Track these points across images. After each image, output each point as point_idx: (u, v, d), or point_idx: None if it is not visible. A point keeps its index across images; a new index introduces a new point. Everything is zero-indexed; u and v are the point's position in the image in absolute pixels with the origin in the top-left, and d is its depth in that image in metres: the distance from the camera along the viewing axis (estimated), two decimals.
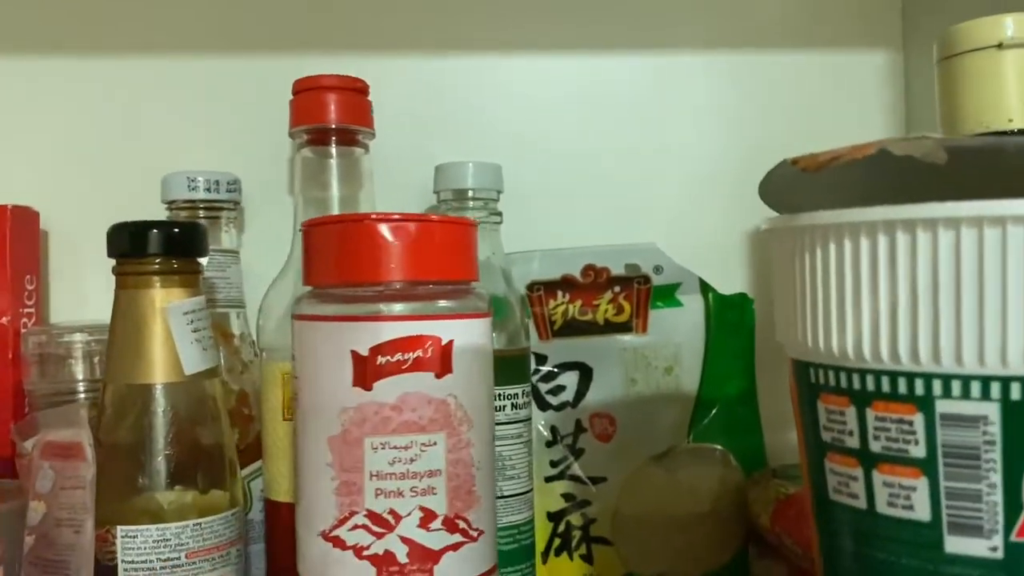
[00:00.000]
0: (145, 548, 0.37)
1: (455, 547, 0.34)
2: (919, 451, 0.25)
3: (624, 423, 0.52)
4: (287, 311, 0.44)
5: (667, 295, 0.53)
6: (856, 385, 0.27)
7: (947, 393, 0.25)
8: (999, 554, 0.25)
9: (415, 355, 0.33)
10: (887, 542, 0.26)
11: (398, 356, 0.33)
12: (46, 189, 0.55)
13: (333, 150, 0.47)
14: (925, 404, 0.25)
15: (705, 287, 0.54)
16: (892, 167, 0.26)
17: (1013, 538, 0.24)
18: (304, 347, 0.35)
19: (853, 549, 0.28)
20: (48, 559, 0.36)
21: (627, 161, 0.59)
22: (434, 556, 0.33)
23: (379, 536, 0.33)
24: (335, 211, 0.47)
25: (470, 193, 0.48)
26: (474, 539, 0.34)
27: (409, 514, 0.33)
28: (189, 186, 0.48)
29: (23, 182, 0.55)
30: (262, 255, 0.52)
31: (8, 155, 0.55)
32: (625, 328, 0.53)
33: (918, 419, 0.25)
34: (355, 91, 0.47)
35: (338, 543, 0.33)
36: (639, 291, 0.53)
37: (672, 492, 0.52)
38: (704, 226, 0.58)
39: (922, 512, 0.26)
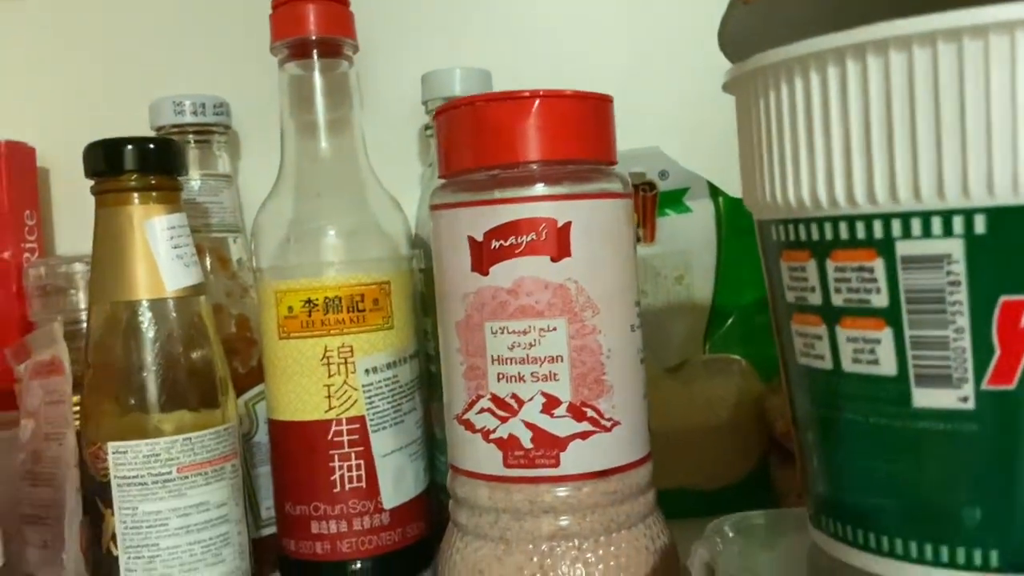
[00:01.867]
0: (136, 463, 0.37)
1: (583, 435, 0.33)
2: (881, 300, 0.23)
3: None
4: (279, 231, 0.44)
5: (674, 201, 0.51)
6: (815, 236, 0.25)
7: (907, 233, 0.23)
8: (970, 404, 0.23)
9: (528, 238, 0.32)
10: (854, 401, 0.25)
11: (511, 240, 0.32)
12: (43, 125, 0.55)
13: (316, 63, 0.46)
14: (885, 247, 0.23)
15: (715, 191, 0.51)
16: None
17: (984, 386, 0.22)
18: (435, 236, 0.35)
19: (822, 413, 0.26)
20: (37, 472, 0.37)
21: (626, 61, 0.56)
22: (560, 443, 0.32)
23: (503, 420, 0.33)
24: (321, 130, 0.46)
25: None
26: (607, 429, 0.33)
27: (531, 399, 0.33)
28: (175, 110, 0.48)
29: (18, 119, 0.55)
30: (259, 181, 0.51)
31: (7, 92, 0.56)
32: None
33: (878, 265, 0.23)
34: (334, 1, 0.45)
35: (468, 426, 0.34)
36: (645, 199, 0.51)
37: (688, 405, 0.51)
38: (711, 125, 0.56)
39: (887, 366, 0.24)
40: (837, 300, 0.24)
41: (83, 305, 0.47)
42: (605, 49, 0.56)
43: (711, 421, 0.50)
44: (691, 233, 0.51)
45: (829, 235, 0.24)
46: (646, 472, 0.34)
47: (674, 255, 0.51)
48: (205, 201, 0.48)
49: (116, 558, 0.36)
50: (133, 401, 0.38)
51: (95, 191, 0.39)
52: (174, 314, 0.39)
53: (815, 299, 0.25)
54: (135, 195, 0.38)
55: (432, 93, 0.47)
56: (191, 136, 0.48)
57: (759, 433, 0.50)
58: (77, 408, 0.38)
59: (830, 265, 0.24)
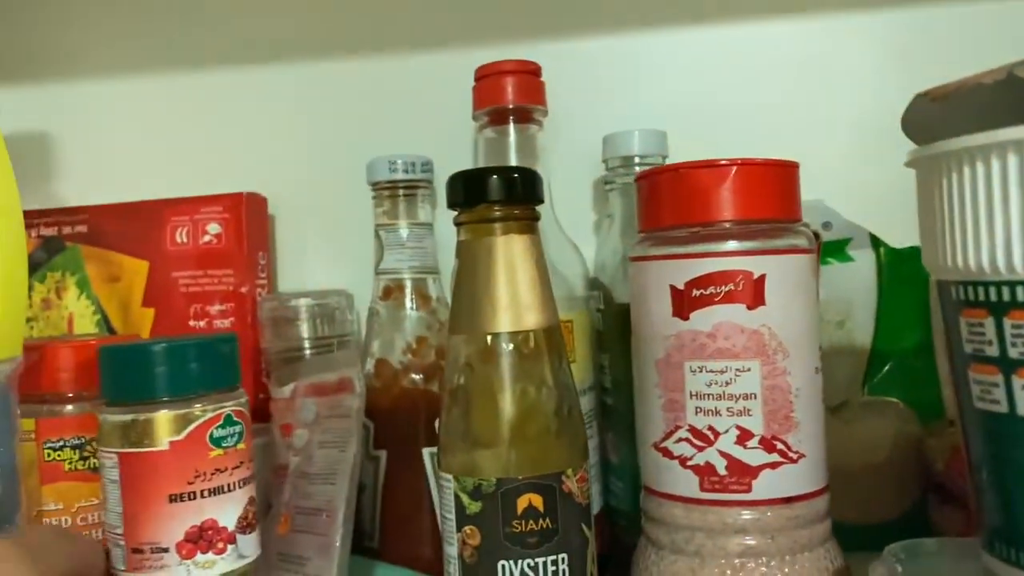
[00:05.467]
0: None
1: (773, 466, 0.37)
2: None
3: None
4: None
5: (837, 251, 0.55)
6: (993, 297, 0.28)
7: None
8: None
9: (727, 288, 0.37)
10: None
11: (711, 289, 0.37)
12: (272, 177, 0.64)
13: (511, 128, 0.52)
14: None
15: (876, 241, 0.54)
16: (1021, 90, 0.28)
17: None
18: (635, 284, 0.40)
19: (996, 453, 0.29)
20: (310, 473, 0.44)
21: (791, 119, 0.60)
22: (752, 472, 0.37)
23: (700, 449, 0.37)
24: None
25: (636, 159, 0.52)
26: (793, 460, 0.37)
27: (727, 431, 0.37)
28: (390, 168, 0.55)
29: (254, 172, 0.64)
30: (453, 229, 0.58)
31: (241, 150, 0.65)
32: None
33: None
34: (529, 73, 0.52)
35: (666, 453, 0.38)
36: None
37: (848, 443, 0.53)
38: (872, 180, 0.59)
39: None
40: (1013, 353, 0.28)
41: (305, 335, 0.55)
42: (772, 109, 0.60)
43: (869, 460, 0.53)
44: (853, 281, 0.54)
45: (1007, 296, 0.28)
46: (824, 501, 0.38)
47: (837, 301, 0.54)
48: (411, 246, 0.55)
49: None
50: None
51: (458, 221, 0.38)
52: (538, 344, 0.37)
53: (992, 351, 0.29)
54: (498, 226, 0.37)
55: (612, 152, 0.53)
56: (401, 191, 0.55)
57: (916, 474, 0.53)
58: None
59: (1007, 323, 0.28)
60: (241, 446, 0.40)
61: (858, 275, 0.54)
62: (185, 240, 0.59)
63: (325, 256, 0.64)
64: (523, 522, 0.35)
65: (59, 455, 0.41)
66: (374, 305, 0.55)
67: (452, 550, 0.37)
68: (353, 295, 0.58)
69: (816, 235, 0.54)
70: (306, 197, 0.64)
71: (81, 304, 0.60)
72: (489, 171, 0.39)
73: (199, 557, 0.38)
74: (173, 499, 0.38)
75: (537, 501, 0.36)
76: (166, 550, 0.38)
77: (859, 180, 0.59)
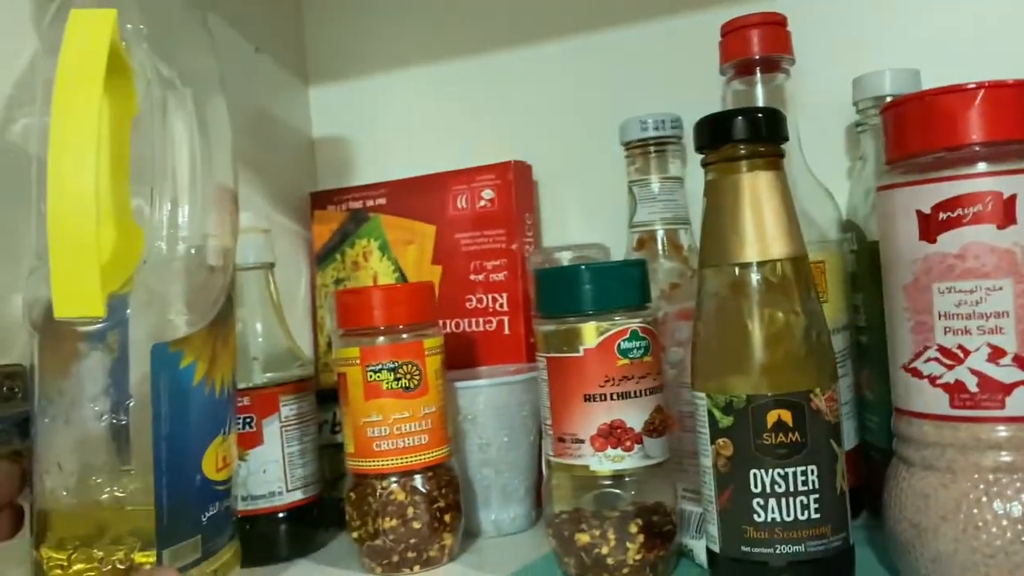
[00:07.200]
0: None
1: None
2: None
3: None
4: None
5: None
6: None
7: None
8: None
9: (975, 209, 0.37)
10: None
11: (958, 211, 0.37)
12: (536, 146, 0.70)
13: (758, 78, 0.54)
14: None
15: None
16: None
17: None
18: (883, 212, 0.41)
19: None
20: (682, 382, 0.50)
21: None
22: (1005, 388, 0.37)
23: (949, 368, 0.38)
24: None
25: (888, 99, 0.51)
26: None
27: (977, 350, 0.37)
28: (641, 127, 0.59)
29: (520, 143, 0.71)
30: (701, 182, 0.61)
31: (508, 123, 0.72)
32: None
33: None
34: (774, 24, 0.53)
35: (915, 373, 0.39)
36: None
37: None
38: None
39: None
40: None
41: None
42: None
43: None
44: None
45: None
46: None
47: None
48: (663, 199, 0.59)
49: (845, 494, 0.39)
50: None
51: (705, 162, 0.42)
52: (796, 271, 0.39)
53: None
54: (744, 163, 0.40)
55: (864, 94, 0.53)
56: (652, 147, 0.59)
57: None
58: None
59: None
60: (647, 359, 0.46)
61: None
62: (464, 206, 0.68)
63: (584, 214, 0.70)
64: (773, 435, 0.39)
65: (378, 376, 0.51)
66: (628, 256, 0.60)
67: (707, 461, 0.41)
68: (610, 248, 0.63)
69: None
70: (566, 162, 0.70)
71: (383, 265, 0.71)
72: (733, 112, 0.42)
73: (609, 451, 0.46)
74: (588, 399, 0.46)
75: (786, 416, 0.39)
76: (582, 441, 0.46)
77: None
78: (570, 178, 0.70)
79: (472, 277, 0.67)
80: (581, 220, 0.70)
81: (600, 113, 0.67)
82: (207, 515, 0.41)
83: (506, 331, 0.66)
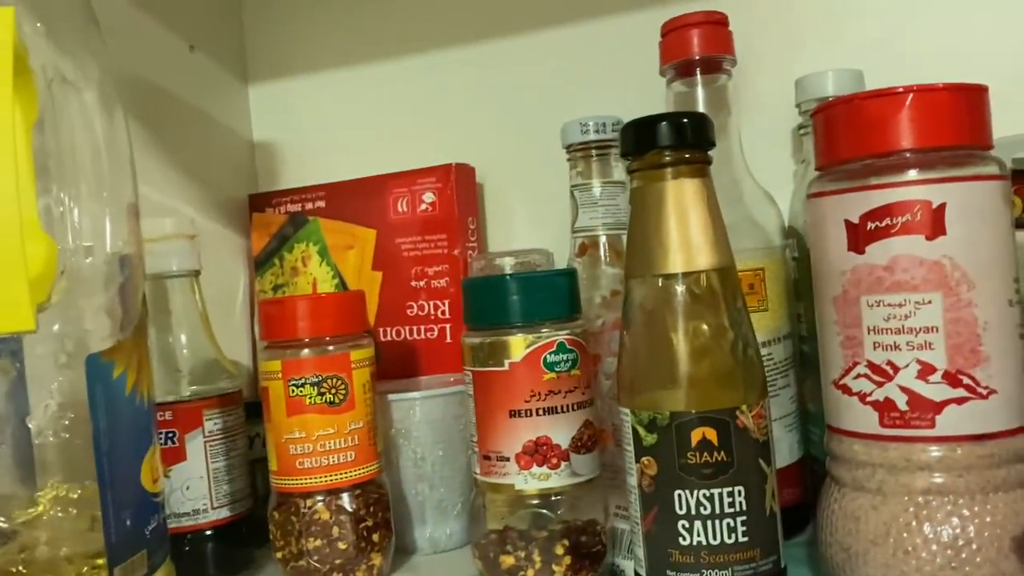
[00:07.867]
0: None
1: (959, 401, 0.35)
2: None
3: None
4: None
5: None
6: None
7: None
8: None
9: (903, 219, 0.36)
10: None
11: (887, 221, 0.36)
12: (479, 148, 0.68)
13: (699, 79, 0.52)
14: None
15: None
16: None
17: None
18: (812, 221, 0.40)
19: None
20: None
21: (999, 59, 0.55)
22: (936, 407, 0.35)
23: (879, 384, 0.37)
24: None
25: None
26: (983, 396, 0.35)
27: (907, 366, 0.36)
28: (582, 130, 0.57)
29: (462, 145, 0.69)
30: None
31: (449, 125, 0.71)
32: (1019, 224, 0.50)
33: None
34: (715, 23, 0.52)
35: (845, 390, 0.38)
36: None
37: None
38: None
39: None
40: None
41: None
42: (978, 46, 0.56)
43: None
44: None
45: None
46: None
47: None
48: (604, 204, 0.57)
49: (776, 515, 0.37)
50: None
51: (630, 169, 0.40)
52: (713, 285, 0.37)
53: None
54: (668, 171, 0.38)
55: (807, 95, 0.51)
56: (593, 151, 0.57)
57: None
58: None
59: None
60: (575, 372, 0.44)
61: None
62: (405, 209, 0.66)
63: (530, 218, 0.68)
64: (697, 454, 0.37)
65: (301, 391, 0.48)
66: (571, 262, 0.58)
67: (632, 480, 0.39)
68: (552, 253, 0.61)
69: None
70: (512, 164, 0.68)
71: (322, 270, 0.69)
72: (657, 117, 0.40)
73: (535, 469, 0.44)
74: (513, 414, 0.44)
75: (711, 434, 0.37)
76: (507, 459, 0.44)
77: None
78: (515, 181, 0.69)
79: (413, 283, 0.65)
80: (527, 224, 0.68)
81: (545, 114, 0.65)
82: (149, 528, 0.39)
83: (448, 339, 0.64)
